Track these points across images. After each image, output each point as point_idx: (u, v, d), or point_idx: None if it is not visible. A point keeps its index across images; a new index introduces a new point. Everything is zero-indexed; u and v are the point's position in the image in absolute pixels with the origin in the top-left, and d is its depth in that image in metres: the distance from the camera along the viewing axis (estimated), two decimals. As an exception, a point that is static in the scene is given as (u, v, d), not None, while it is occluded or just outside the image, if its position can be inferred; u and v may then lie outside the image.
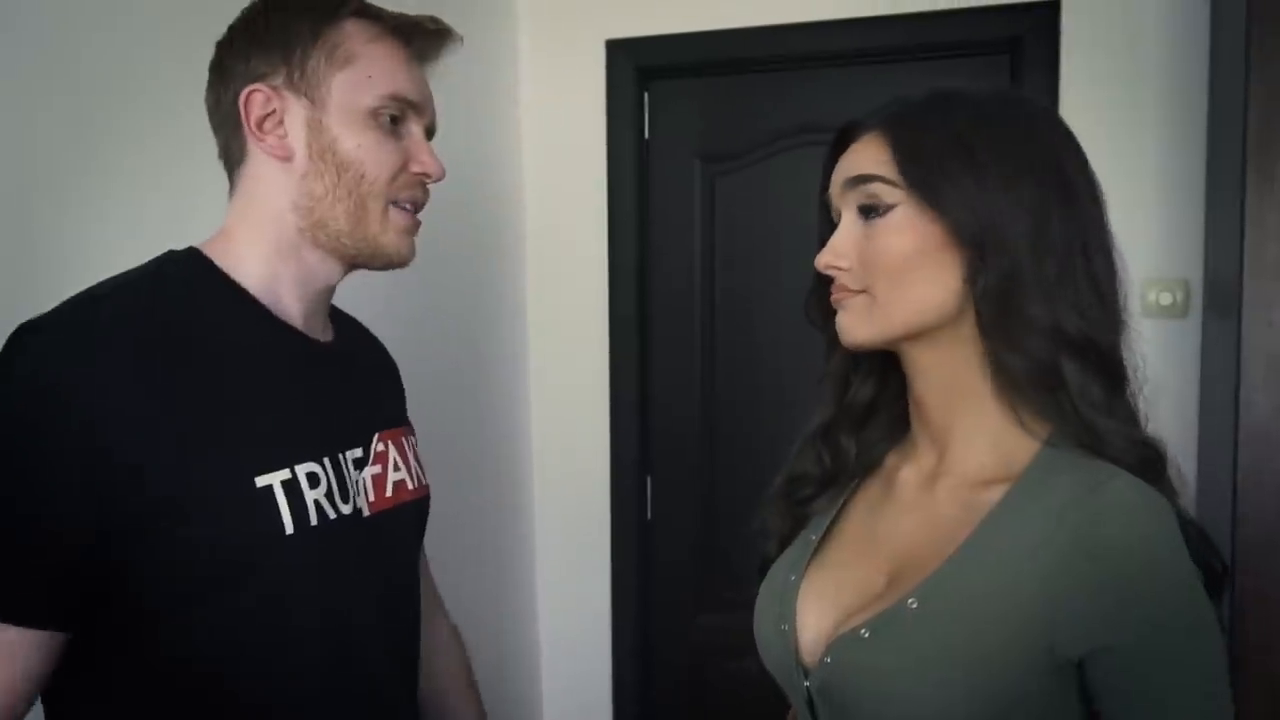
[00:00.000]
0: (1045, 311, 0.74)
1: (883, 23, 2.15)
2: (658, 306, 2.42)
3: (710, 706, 2.39)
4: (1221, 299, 1.75)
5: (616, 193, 2.37)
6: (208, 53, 1.44)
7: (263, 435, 0.81)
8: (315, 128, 0.86)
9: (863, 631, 0.78)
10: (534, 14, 2.40)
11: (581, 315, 2.39)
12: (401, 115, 0.89)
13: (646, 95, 2.38)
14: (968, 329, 0.78)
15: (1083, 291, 0.76)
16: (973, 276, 0.75)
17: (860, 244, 0.80)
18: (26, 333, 0.77)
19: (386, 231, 0.89)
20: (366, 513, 0.90)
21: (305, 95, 0.86)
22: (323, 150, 0.86)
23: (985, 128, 0.78)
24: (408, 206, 0.90)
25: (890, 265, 0.78)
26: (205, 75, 1.44)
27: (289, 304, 0.90)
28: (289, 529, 0.80)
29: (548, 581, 2.48)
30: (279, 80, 0.86)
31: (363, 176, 0.86)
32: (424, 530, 1.05)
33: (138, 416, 0.75)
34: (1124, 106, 2.00)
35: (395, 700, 0.95)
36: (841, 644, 0.79)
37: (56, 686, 0.79)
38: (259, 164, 0.88)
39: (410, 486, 0.98)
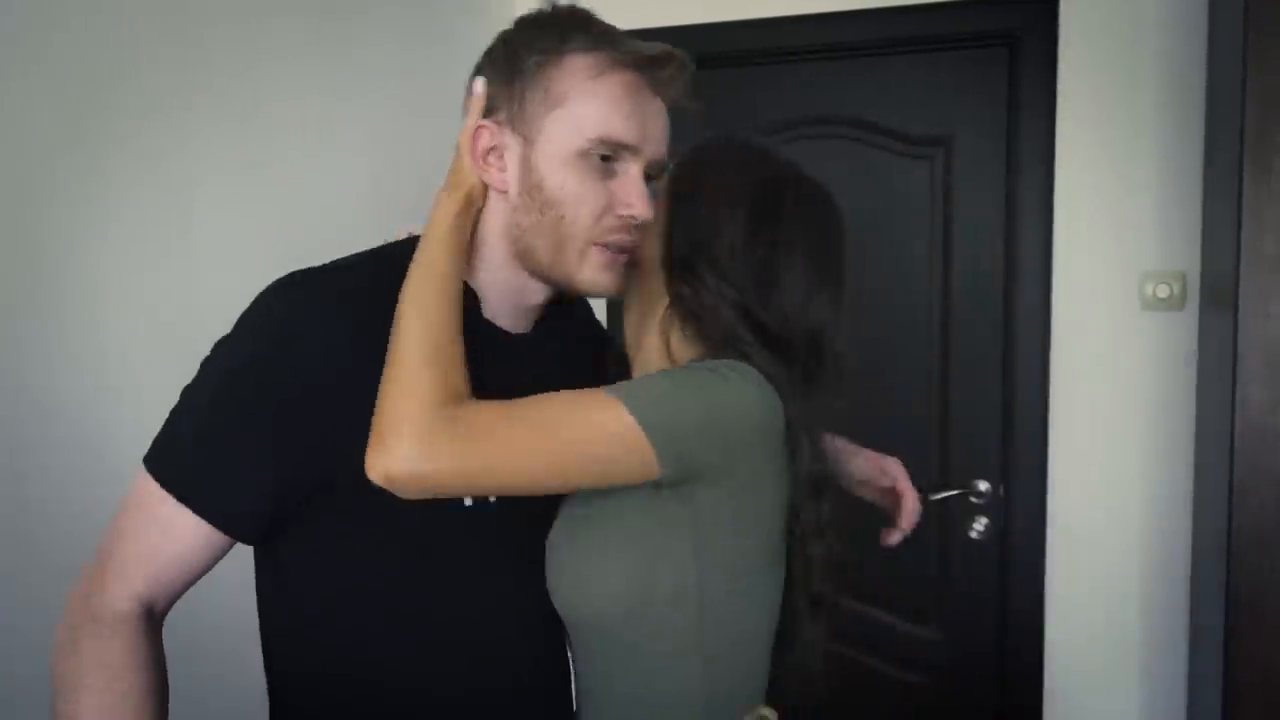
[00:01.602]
0: (715, 282, 0.94)
1: (881, 15, 2.15)
2: (655, 299, 2.41)
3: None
4: (1218, 291, 1.76)
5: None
6: (197, 50, 1.45)
7: None
8: (526, 165, 0.90)
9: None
10: (531, 7, 2.39)
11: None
12: (614, 155, 0.90)
13: (644, 88, 2.37)
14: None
15: (761, 282, 0.95)
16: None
17: None
18: (288, 285, 0.88)
19: (583, 270, 0.93)
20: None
21: (520, 133, 0.90)
22: (530, 187, 0.90)
23: (723, 163, 1.01)
24: (611, 246, 0.93)
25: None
26: (196, 72, 1.45)
27: (496, 307, 0.97)
28: (467, 501, 0.90)
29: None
30: (502, 116, 0.91)
31: (562, 218, 0.90)
32: None
33: (345, 379, 0.84)
34: (1122, 99, 2.00)
35: (541, 692, 1.01)
36: None
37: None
38: (490, 193, 0.94)
39: None
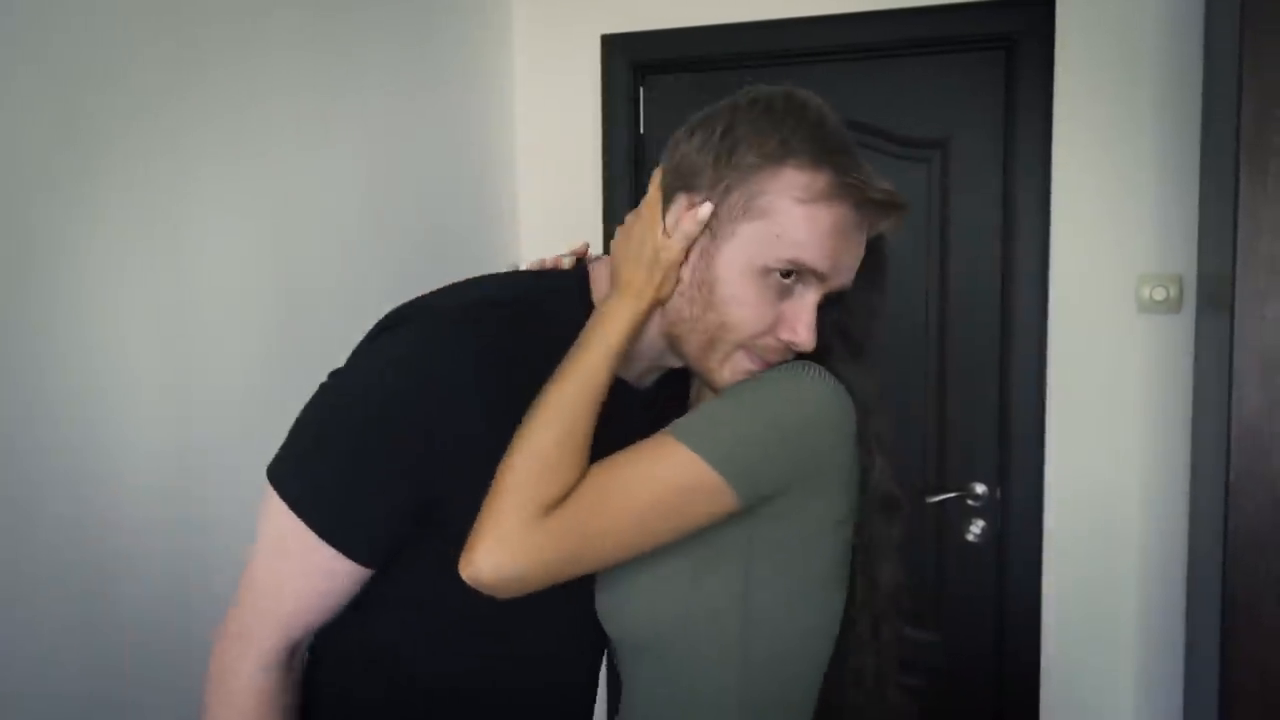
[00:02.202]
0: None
1: (878, 17, 2.15)
2: (653, 302, 2.41)
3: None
4: (1215, 294, 1.76)
5: (612, 188, 2.37)
6: (190, 49, 1.45)
7: None
8: (706, 259, 0.87)
9: None
10: (529, 9, 2.39)
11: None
12: (799, 276, 0.86)
13: (642, 90, 2.38)
14: None
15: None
16: None
17: None
18: (422, 327, 0.86)
19: (723, 371, 0.90)
20: None
21: (710, 226, 0.86)
22: (701, 282, 0.87)
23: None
24: (759, 356, 0.89)
25: None
26: (191, 67, 1.45)
27: (631, 367, 0.94)
28: None
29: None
30: (700, 197, 0.87)
31: (724, 324, 0.87)
32: None
33: (461, 428, 0.83)
34: (1119, 102, 2.00)
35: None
36: None
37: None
38: None
39: None
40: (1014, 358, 2.12)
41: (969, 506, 2.19)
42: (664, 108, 2.38)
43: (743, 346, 0.88)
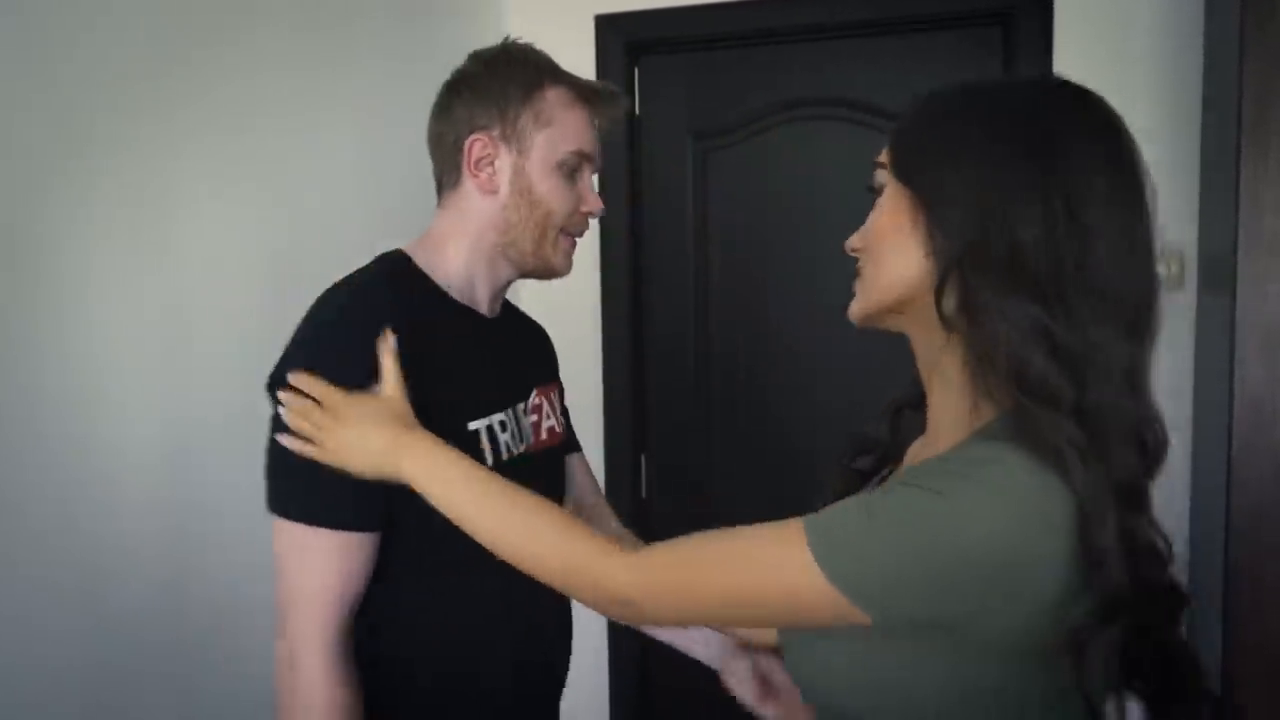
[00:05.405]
0: (995, 297, 0.71)
1: (874, -6, 2.13)
2: (650, 284, 2.41)
3: (709, 685, 2.41)
4: (1216, 272, 1.75)
5: (607, 170, 2.32)
6: (189, 53, 1.43)
7: (469, 394, 1.09)
8: (519, 172, 1.12)
9: None
10: (524, 13, 2.36)
11: (573, 293, 2.38)
12: (579, 165, 1.14)
13: (636, 71, 2.36)
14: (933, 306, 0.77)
15: (1066, 289, 0.71)
16: (932, 250, 0.76)
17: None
18: (315, 316, 1.07)
19: (557, 254, 1.15)
20: (531, 449, 1.18)
21: (514, 147, 1.11)
22: (522, 190, 1.12)
23: (972, 113, 0.77)
24: (573, 234, 1.16)
25: (872, 240, 0.82)
26: (188, 77, 1.44)
27: (480, 294, 1.16)
28: (489, 461, 1.08)
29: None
30: (495, 131, 1.11)
31: (549, 213, 1.12)
32: (563, 470, 1.32)
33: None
34: (1118, 78, 1.98)
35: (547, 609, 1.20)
36: None
37: None
38: (469, 193, 1.13)
39: (557, 430, 1.26)
40: (1014, 336, 2.11)
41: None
42: (659, 88, 2.36)
43: (562, 230, 1.14)
